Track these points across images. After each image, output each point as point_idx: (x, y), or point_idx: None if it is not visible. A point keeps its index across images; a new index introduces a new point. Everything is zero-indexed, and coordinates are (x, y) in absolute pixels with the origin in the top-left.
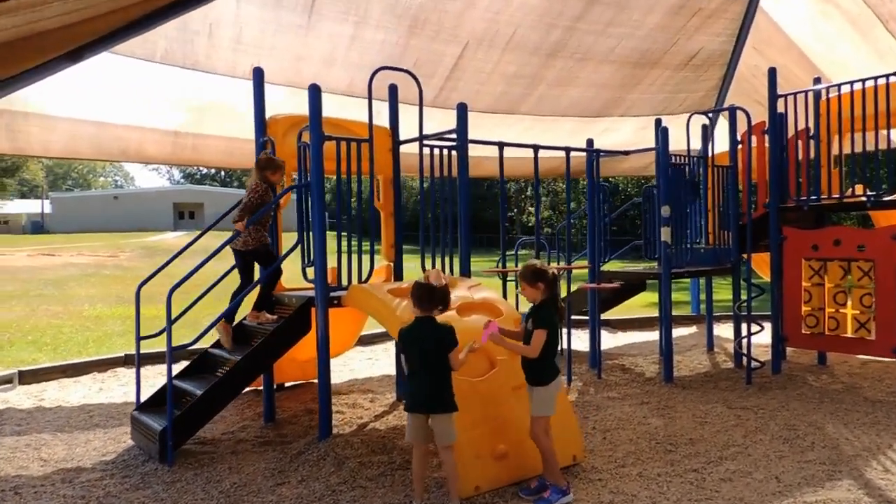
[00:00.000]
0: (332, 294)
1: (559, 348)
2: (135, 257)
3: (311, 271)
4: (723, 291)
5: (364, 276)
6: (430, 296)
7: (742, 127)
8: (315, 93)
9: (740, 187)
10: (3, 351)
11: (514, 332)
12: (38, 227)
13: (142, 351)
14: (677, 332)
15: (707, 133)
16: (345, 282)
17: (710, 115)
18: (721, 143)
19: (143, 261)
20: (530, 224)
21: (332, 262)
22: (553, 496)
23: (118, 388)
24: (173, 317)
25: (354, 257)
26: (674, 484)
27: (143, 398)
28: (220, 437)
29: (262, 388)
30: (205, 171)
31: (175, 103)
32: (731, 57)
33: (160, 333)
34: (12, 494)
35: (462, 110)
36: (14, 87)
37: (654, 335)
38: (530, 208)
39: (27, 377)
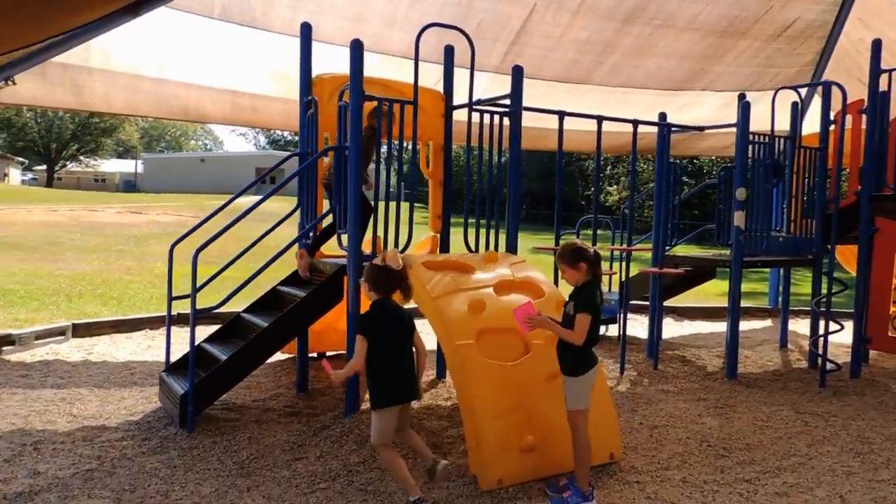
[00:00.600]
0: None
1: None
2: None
3: (345, 238)
4: (806, 284)
5: (402, 247)
6: (389, 279)
7: (837, 105)
8: (356, 50)
9: (829, 172)
10: (70, 303)
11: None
12: (130, 185)
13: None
14: (750, 324)
15: (797, 111)
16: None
17: (798, 90)
18: (812, 124)
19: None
20: (607, 203)
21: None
22: (572, 499)
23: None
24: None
25: (393, 226)
26: (721, 494)
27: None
28: (250, 403)
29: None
30: (289, 137)
31: (232, 62)
32: (831, 29)
33: (186, 296)
34: (31, 450)
35: (517, 73)
36: (75, 41)
37: (723, 326)
38: (608, 187)
39: (81, 330)
